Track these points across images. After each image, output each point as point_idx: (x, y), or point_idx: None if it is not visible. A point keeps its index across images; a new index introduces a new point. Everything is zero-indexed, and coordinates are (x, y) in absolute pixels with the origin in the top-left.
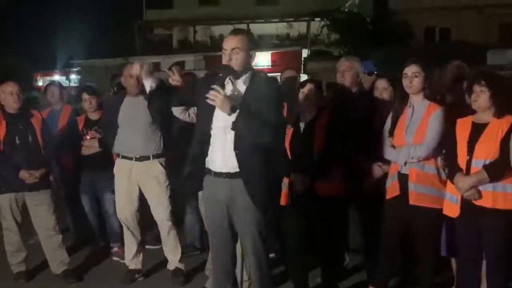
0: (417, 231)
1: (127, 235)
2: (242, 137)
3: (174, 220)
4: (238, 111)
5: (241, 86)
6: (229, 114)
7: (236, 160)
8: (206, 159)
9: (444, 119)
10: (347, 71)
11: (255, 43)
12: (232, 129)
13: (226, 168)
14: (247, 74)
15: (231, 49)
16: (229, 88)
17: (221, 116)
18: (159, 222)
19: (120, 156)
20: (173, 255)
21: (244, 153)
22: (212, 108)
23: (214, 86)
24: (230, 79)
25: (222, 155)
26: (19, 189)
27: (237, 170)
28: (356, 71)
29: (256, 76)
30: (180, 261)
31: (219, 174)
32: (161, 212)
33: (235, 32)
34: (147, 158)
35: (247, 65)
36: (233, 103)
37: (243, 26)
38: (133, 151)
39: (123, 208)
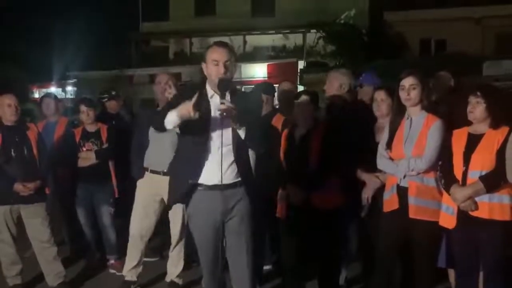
0: (416, 244)
1: (133, 247)
2: (240, 148)
3: (185, 235)
4: (246, 123)
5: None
6: (239, 128)
7: (233, 172)
8: (195, 173)
9: (443, 131)
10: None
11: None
12: (245, 141)
13: (223, 180)
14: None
15: (225, 61)
16: (214, 101)
17: (215, 130)
18: (173, 233)
19: (149, 171)
20: (174, 268)
21: (244, 163)
22: (204, 123)
23: (224, 100)
24: (228, 92)
25: (218, 168)
26: (14, 201)
27: (234, 180)
28: (339, 84)
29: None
30: (178, 275)
31: (213, 187)
32: (178, 225)
33: (223, 44)
34: None
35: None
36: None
37: (239, 38)
38: (161, 165)
39: (142, 222)
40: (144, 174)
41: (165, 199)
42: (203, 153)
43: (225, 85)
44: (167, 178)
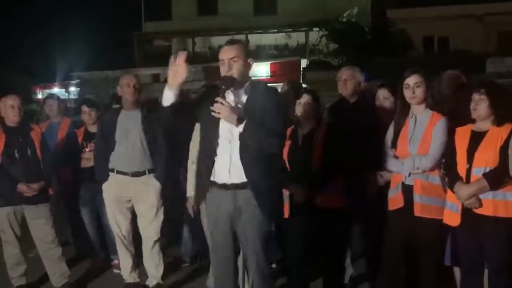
0: (422, 242)
1: (121, 250)
2: (247, 147)
3: (160, 236)
4: (245, 121)
5: (242, 96)
6: (237, 125)
7: (242, 171)
8: (209, 170)
9: (448, 129)
10: (349, 80)
11: (251, 52)
12: (240, 139)
13: (231, 179)
14: (247, 84)
15: (230, 58)
16: (230, 99)
17: (226, 128)
18: (145, 237)
19: (115, 172)
20: (155, 270)
21: (250, 163)
22: (217, 121)
23: (218, 99)
24: (231, 90)
25: (228, 166)
26: (17, 202)
27: (243, 180)
28: (357, 80)
29: (256, 85)
30: (161, 277)
31: (223, 186)
32: (151, 227)
33: (231, 42)
34: (143, 173)
35: (246, 74)
36: (239, 114)
37: (242, 37)
38: (129, 166)
39: (119, 222)
40: (108, 176)
41: (135, 199)
42: (213, 149)
43: (227, 83)
44: (135, 180)
